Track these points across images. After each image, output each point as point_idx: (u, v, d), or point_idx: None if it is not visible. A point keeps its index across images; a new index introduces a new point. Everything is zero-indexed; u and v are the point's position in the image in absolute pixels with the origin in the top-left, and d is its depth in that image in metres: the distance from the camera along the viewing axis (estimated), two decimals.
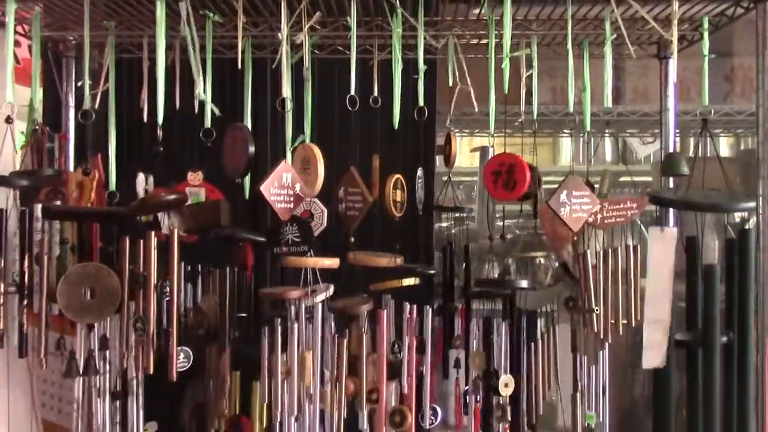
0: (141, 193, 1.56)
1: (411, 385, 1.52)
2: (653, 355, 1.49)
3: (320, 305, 1.44)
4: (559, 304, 1.68)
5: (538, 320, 1.61)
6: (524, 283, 1.52)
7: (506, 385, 1.56)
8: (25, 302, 1.39)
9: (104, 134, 1.54)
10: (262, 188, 1.35)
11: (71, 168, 1.69)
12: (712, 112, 1.43)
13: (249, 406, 1.58)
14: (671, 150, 1.59)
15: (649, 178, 2.53)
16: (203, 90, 1.40)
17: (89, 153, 1.65)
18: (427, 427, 1.58)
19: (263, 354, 1.44)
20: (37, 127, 1.50)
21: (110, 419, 1.51)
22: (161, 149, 1.42)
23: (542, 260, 2.11)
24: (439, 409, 1.58)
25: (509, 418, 1.58)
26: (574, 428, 1.60)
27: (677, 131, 1.64)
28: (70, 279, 1.39)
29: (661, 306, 1.47)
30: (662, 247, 1.46)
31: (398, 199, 1.49)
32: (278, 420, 1.46)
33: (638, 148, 2.59)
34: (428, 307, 1.55)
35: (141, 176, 1.57)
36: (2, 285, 1.39)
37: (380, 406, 1.49)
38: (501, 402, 1.58)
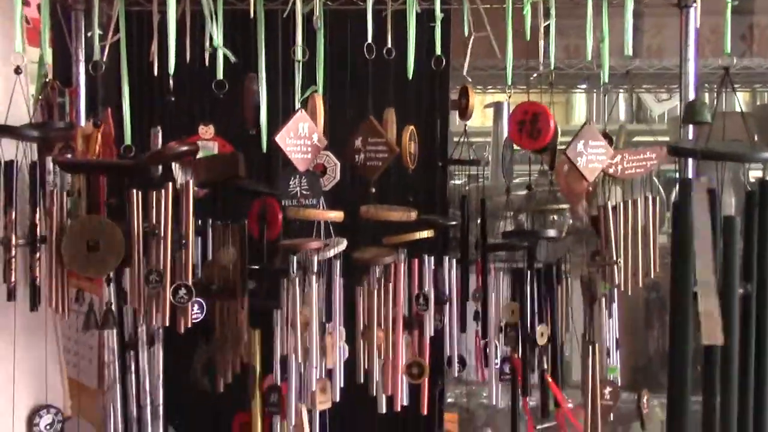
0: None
1: (429, 337, 1.52)
2: (711, 326, 1.36)
3: (336, 258, 1.44)
4: (571, 257, 1.68)
5: (561, 270, 1.61)
6: (552, 233, 1.52)
7: (542, 334, 1.57)
8: (37, 255, 1.38)
9: (115, 88, 1.52)
10: (278, 138, 1.33)
11: (83, 123, 1.67)
12: (735, 60, 1.40)
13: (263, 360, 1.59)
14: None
15: (665, 138, 2.49)
16: (216, 36, 1.38)
17: (100, 108, 1.64)
18: (455, 375, 1.59)
19: (282, 306, 1.44)
20: (47, 80, 1.49)
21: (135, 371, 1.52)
22: (173, 98, 1.41)
23: (555, 216, 2.10)
24: (466, 358, 1.59)
25: (545, 367, 1.58)
26: (585, 380, 1.60)
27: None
28: (73, 231, 1.38)
29: (707, 266, 1.37)
30: (702, 199, 1.41)
31: (412, 151, 1.48)
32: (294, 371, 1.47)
33: (653, 105, 2.56)
34: (449, 258, 1.54)
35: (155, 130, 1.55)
36: (13, 238, 1.38)
37: (396, 358, 1.49)
38: (537, 351, 1.59)
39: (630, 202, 1.48)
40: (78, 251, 1.37)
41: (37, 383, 1.55)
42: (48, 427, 1.58)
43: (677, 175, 1.54)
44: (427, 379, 1.54)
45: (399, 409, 1.55)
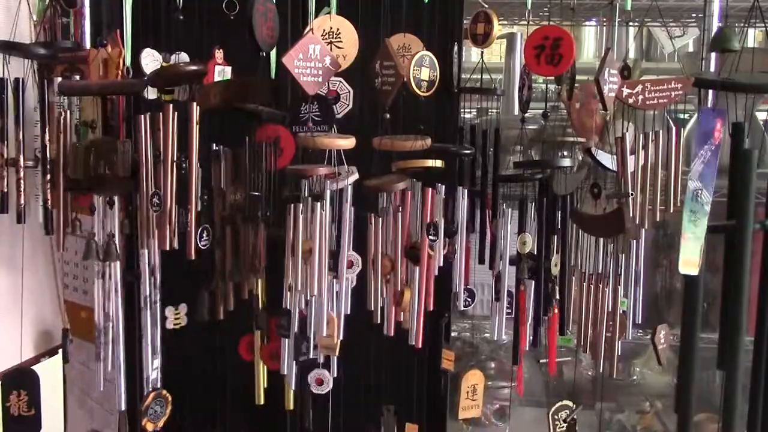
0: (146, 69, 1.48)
1: (431, 267, 1.50)
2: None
3: (347, 186, 1.42)
4: (583, 192, 1.65)
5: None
6: (567, 162, 1.48)
7: (555, 264, 1.55)
8: (48, 177, 1.35)
9: (120, 10, 1.47)
10: (285, 60, 1.27)
11: (87, 45, 1.63)
12: None
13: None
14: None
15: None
16: None
17: (104, 30, 1.59)
18: (462, 308, 1.57)
19: (287, 233, 1.41)
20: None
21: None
22: (181, 17, 1.36)
23: (566, 152, 2.07)
24: (476, 291, 1.57)
25: (557, 297, 1.57)
26: (596, 313, 1.59)
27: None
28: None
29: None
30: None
31: (426, 77, 1.43)
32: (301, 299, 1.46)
33: (666, 42, 2.50)
34: (461, 187, 1.51)
35: (146, 51, 1.48)
36: (21, 159, 1.35)
37: (399, 285, 1.47)
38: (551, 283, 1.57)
39: (651, 133, 1.43)
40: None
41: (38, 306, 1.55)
42: None
43: (696, 108, 1.51)
44: (422, 311, 1.52)
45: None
